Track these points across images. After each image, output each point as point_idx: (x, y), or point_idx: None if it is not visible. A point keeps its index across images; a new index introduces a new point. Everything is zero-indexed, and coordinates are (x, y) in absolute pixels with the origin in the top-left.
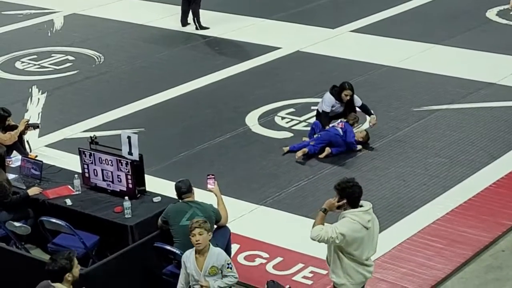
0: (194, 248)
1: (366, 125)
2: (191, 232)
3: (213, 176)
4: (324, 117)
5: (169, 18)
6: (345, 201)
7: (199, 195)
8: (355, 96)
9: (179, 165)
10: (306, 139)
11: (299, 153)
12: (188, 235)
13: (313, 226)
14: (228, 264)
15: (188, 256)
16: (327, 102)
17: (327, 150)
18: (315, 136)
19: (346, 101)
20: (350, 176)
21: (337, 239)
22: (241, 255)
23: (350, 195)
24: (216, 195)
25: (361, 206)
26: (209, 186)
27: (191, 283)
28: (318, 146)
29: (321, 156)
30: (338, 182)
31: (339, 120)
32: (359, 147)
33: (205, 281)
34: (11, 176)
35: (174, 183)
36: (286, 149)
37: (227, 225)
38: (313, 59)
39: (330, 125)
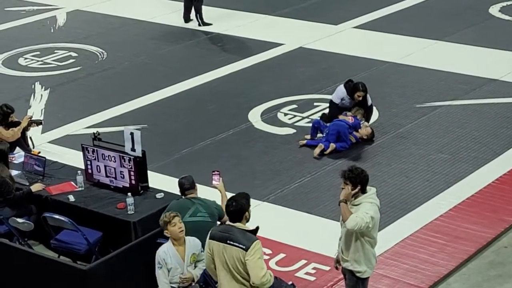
0: (169, 243)
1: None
2: (171, 222)
3: (218, 172)
4: (332, 107)
5: (171, 14)
6: (359, 187)
7: (202, 192)
8: (368, 96)
9: (182, 161)
10: (308, 137)
11: (317, 150)
12: (190, 231)
13: (345, 218)
14: (201, 248)
15: (167, 252)
16: (338, 94)
17: (332, 146)
18: (322, 134)
19: (358, 101)
20: None
21: (370, 223)
22: None
23: (364, 180)
24: (220, 192)
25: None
26: (214, 182)
27: (170, 277)
28: (330, 141)
29: (326, 152)
30: (347, 171)
31: (348, 112)
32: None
33: (188, 273)
34: (14, 173)
35: (177, 179)
36: (302, 142)
37: None
38: (316, 55)
39: (340, 116)
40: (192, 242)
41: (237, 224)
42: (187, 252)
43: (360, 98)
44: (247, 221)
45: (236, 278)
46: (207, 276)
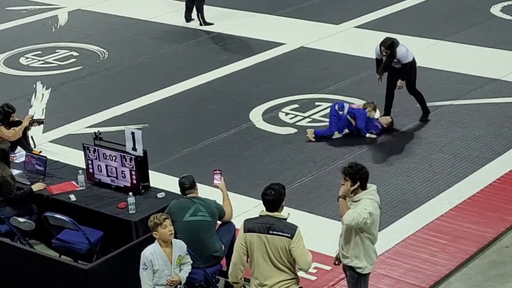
0: (156, 244)
1: (377, 114)
2: (162, 224)
3: (219, 172)
4: (376, 64)
5: (173, 14)
6: (358, 184)
7: (203, 191)
8: (402, 53)
9: (183, 161)
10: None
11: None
12: (189, 231)
13: (342, 214)
14: (186, 250)
15: (154, 253)
16: (376, 50)
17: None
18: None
19: (378, 59)
20: None
21: (368, 219)
22: None
23: (364, 177)
24: (222, 191)
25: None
26: (215, 181)
27: (157, 278)
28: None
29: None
30: (347, 167)
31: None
32: (373, 136)
33: (175, 275)
34: (15, 172)
35: (178, 178)
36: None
37: (231, 221)
38: (317, 55)
39: (354, 105)
40: (179, 245)
41: (274, 214)
42: (174, 254)
43: (384, 54)
44: (282, 210)
45: (277, 266)
46: (208, 276)
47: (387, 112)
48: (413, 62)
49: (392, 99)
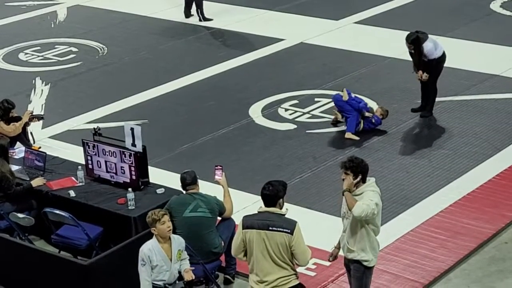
0: (154, 240)
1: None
2: (160, 220)
3: (220, 167)
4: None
5: (172, 9)
6: (360, 177)
7: (202, 187)
8: (428, 49)
9: (183, 156)
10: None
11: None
12: (189, 226)
13: (352, 206)
14: (184, 246)
15: (152, 249)
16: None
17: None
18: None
19: (411, 53)
20: None
21: (375, 210)
22: None
23: (364, 170)
24: (223, 187)
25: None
26: (216, 177)
27: (156, 274)
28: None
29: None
30: (347, 162)
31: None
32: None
33: (189, 272)
34: (14, 168)
35: (178, 174)
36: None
37: (231, 217)
38: (316, 50)
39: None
40: (177, 240)
41: (272, 209)
42: (174, 249)
43: (408, 49)
44: (280, 208)
45: (276, 262)
46: (208, 272)
47: (423, 102)
48: (440, 58)
49: (425, 90)
